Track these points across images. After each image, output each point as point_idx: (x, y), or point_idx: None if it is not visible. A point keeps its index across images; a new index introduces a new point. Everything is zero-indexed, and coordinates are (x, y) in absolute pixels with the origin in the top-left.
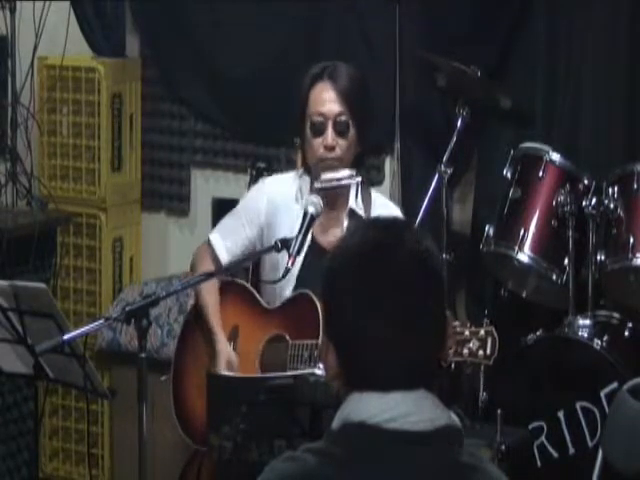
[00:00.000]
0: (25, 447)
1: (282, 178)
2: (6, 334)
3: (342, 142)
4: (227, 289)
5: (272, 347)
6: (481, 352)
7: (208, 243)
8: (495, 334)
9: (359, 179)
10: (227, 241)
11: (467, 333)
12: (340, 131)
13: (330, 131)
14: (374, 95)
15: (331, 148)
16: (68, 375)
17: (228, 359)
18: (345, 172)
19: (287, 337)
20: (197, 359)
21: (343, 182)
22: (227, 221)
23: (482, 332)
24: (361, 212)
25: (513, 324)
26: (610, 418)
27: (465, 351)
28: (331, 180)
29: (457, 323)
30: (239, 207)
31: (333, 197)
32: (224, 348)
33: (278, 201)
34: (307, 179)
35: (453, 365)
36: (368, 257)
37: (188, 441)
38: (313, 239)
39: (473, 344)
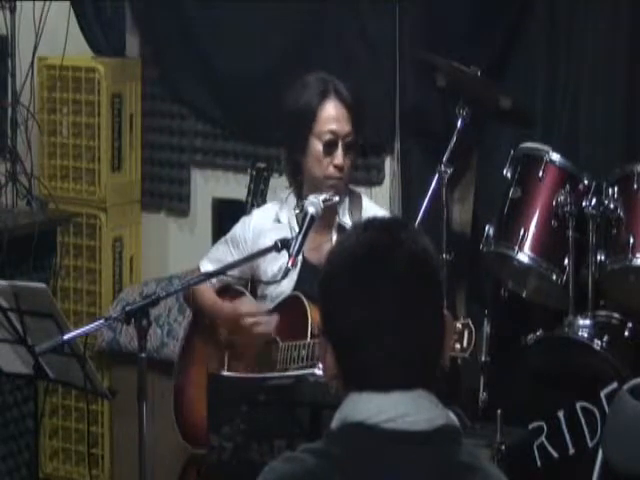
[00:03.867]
0: (25, 447)
1: (266, 207)
2: (6, 334)
3: (348, 162)
4: (224, 294)
5: (264, 349)
6: (458, 345)
7: (199, 272)
8: (472, 326)
9: (336, 198)
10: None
11: None
12: (347, 151)
13: (340, 151)
14: (374, 95)
15: (340, 168)
16: (68, 375)
17: (250, 299)
18: (324, 196)
19: (278, 339)
20: (198, 366)
21: (327, 203)
22: (217, 250)
23: (459, 325)
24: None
25: (513, 324)
26: (610, 418)
27: None
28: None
29: None
30: (228, 236)
31: (321, 216)
32: (239, 300)
33: (262, 226)
34: (292, 201)
35: None
36: (365, 258)
37: (187, 445)
38: (304, 258)
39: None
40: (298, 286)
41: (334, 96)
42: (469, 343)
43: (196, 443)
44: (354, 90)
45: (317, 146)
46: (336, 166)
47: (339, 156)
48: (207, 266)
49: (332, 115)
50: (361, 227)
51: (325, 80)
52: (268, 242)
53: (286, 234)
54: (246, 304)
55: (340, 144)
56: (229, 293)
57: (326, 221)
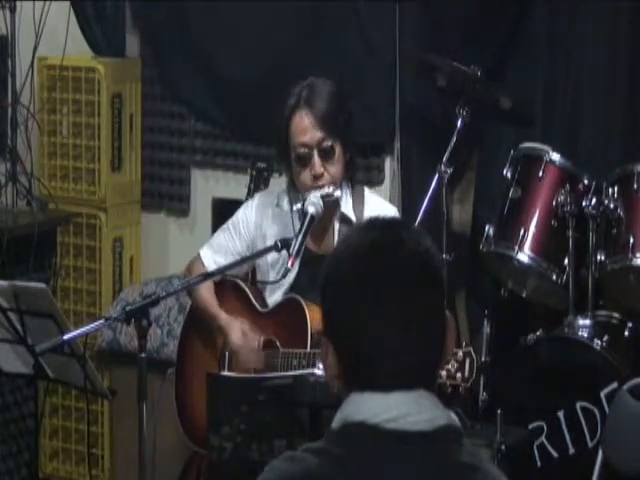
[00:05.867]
0: (25, 447)
1: (267, 192)
2: (6, 334)
3: (329, 165)
4: (222, 288)
5: (264, 353)
6: (459, 374)
7: (199, 258)
8: (473, 355)
9: (338, 193)
10: (217, 256)
11: None
12: (326, 156)
13: (316, 159)
14: (374, 95)
15: (320, 176)
16: (68, 375)
17: (241, 329)
18: (325, 191)
19: (277, 343)
20: (198, 362)
21: (327, 199)
22: (217, 236)
23: (460, 353)
24: (352, 215)
25: (513, 324)
26: (610, 418)
27: (443, 373)
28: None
29: None
30: (229, 222)
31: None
32: (232, 322)
33: (264, 208)
34: (294, 192)
35: None
36: (367, 258)
37: (190, 444)
38: (306, 247)
39: (452, 366)
40: (299, 275)
41: (303, 107)
42: (471, 372)
43: (199, 443)
44: (338, 91)
45: (294, 161)
46: (315, 176)
47: (316, 166)
48: (208, 253)
49: (300, 128)
50: (363, 227)
51: (300, 92)
52: (270, 226)
53: (287, 222)
54: (235, 333)
55: (315, 153)
56: (226, 289)
57: (328, 212)
